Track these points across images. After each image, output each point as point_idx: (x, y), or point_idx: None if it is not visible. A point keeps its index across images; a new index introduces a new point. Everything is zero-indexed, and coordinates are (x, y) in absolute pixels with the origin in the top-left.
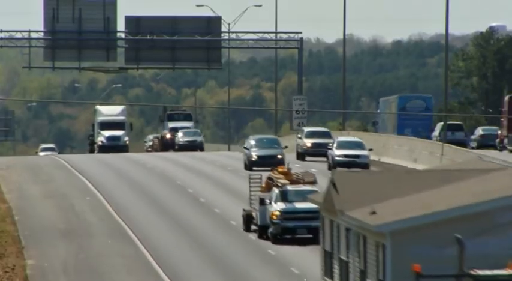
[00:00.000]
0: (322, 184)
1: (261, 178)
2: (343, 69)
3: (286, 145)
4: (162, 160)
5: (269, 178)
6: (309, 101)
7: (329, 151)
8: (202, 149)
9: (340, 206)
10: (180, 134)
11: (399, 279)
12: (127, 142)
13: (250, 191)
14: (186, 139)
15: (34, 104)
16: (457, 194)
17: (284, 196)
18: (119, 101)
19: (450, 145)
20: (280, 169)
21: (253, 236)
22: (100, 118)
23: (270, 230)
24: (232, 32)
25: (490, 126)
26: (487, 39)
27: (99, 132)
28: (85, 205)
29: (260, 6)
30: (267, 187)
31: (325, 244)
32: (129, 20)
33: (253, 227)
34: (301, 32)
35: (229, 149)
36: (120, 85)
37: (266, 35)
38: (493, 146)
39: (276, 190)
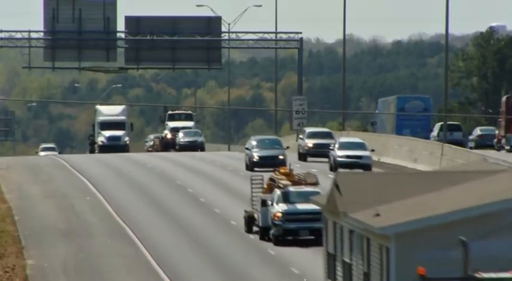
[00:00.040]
0: (324, 185)
1: (262, 179)
2: (343, 69)
3: (287, 145)
4: (162, 160)
5: (271, 179)
6: (309, 101)
7: (331, 152)
8: (203, 150)
9: (343, 208)
10: (180, 134)
11: None
12: (127, 142)
13: (252, 192)
14: (186, 139)
15: (34, 104)
16: (462, 196)
17: (286, 197)
18: (118, 101)
19: (450, 145)
20: (282, 170)
21: (253, 236)
22: (100, 118)
23: (272, 231)
24: (232, 32)
25: (488, 127)
26: (487, 39)
27: (100, 132)
28: (85, 205)
29: (260, 6)
30: (269, 188)
31: (329, 246)
32: (129, 20)
33: (254, 228)
34: (301, 32)
35: (229, 149)
36: (120, 85)
37: (266, 35)
38: (490, 146)
39: (277, 191)
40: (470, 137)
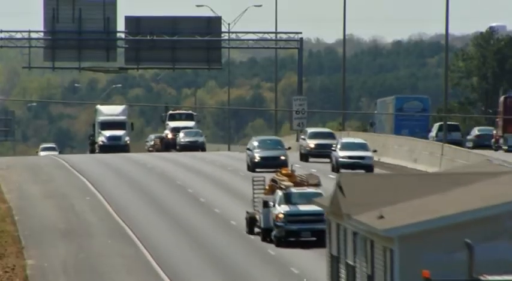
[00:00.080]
0: (326, 186)
1: (264, 180)
2: (343, 69)
3: (288, 146)
4: (162, 160)
5: (273, 180)
6: (309, 101)
7: (333, 152)
8: (203, 150)
9: (347, 210)
10: (181, 134)
11: None
12: (128, 142)
13: (254, 193)
14: (187, 139)
15: (34, 104)
16: (466, 198)
17: (288, 198)
18: (118, 101)
19: (450, 145)
20: (284, 171)
21: (253, 237)
22: (101, 118)
23: (274, 233)
24: (232, 32)
25: (486, 127)
26: (487, 39)
27: (100, 132)
28: (85, 205)
29: (260, 6)
30: (271, 189)
31: (332, 248)
32: (129, 20)
33: (256, 230)
34: (301, 32)
35: (229, 149)
36: (120, 85)
37: (266, 35)
38: (488, 146)
39: (279, 192)
40: (468, 137)
